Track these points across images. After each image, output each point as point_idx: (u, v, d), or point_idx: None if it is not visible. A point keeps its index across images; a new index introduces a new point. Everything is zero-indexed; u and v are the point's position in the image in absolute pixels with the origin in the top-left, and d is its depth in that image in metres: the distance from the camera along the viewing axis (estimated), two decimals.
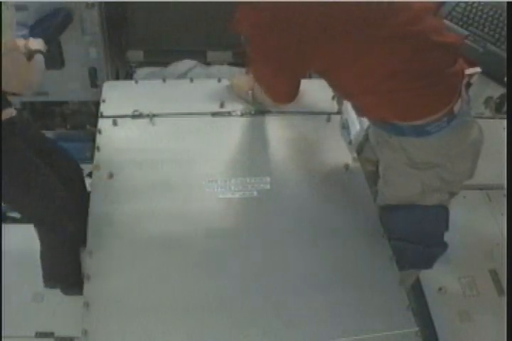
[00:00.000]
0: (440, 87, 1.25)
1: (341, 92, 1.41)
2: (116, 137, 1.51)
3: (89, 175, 1.64)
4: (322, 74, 1.34)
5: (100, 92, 1.67)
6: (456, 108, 1.29)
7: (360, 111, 1.43)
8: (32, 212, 1.59)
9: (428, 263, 1.52)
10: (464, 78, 1.31)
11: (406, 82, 1.22)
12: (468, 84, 1.37)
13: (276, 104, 1.51)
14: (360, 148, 1.72)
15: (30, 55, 1.41)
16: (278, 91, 1.41)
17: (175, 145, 1.50)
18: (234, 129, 1.57)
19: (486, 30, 1.64)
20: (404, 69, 1.20)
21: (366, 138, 1.68)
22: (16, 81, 1.37)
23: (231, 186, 1.41)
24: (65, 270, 1.63)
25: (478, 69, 1.53)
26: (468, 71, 1.35)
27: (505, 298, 1.71)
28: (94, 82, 2.05)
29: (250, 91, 1.56)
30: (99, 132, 1.52)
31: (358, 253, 1.31)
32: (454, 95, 1.29)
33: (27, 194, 1.50)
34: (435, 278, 1.83)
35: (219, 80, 1.72)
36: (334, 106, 1.66)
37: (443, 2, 1.65)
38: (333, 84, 1.38)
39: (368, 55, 1.17)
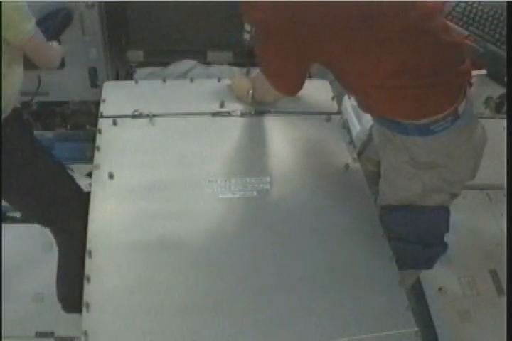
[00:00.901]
0: (446, 86, 1.25)
1: (347, 85, 1.40)
2: (116, 137, 1.51)
3: (89, 175, 1.64)
4: (328, 66, 1.34)
5: (100, 92, 1.67)
6: (461, 108, 1.29)
7: (365, 107, 1.43)
8: (43, 212, 1.60)
9: (428, 264, 1.52)
10: (471, 78, 1.31)
11: (412, 79, 1.22)
12: (469, 85, 1.37)
13: (280, 94, 1.45)
14: (363, 147, 1.72)
15: None
16: (283, 81, 1.39)
17: (175, 145, 1.50)
18: (234, 129, 1.57)
19: (486, 30, 1.64)
20: (411, 67, 1.20)
21: (369, 137, 1.67)
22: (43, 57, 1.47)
23: (231, 186, 1.41)
24: (71, 286, 1.58)
25: (483, 72, 1.53)
26: (473, 73, 1.35)
27: (505, 298, 1.72)
28: (94, 82, 2.05)
29: (250, 91, 1.56)
30: (99, 132, 1.52)
31: (358, 253, 1.31)
32: (459, 95, 1.29)
33: (38, 192, 1.51)
34: (435, 278, 1.83)
35: (219, 80, 1.72)
36: (334, 106, 1.66)
37: (443, 2, 1.65)
38: (339, 77, 1.38)
39: (375, 51, 1.18)
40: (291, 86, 1.41)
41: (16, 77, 1.44)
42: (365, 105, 1.41)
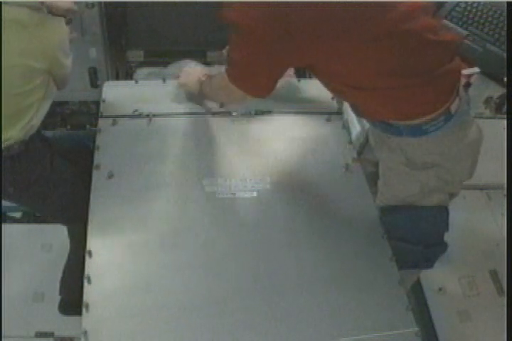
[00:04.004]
0: (435, 86, 1.24)
1: (336, 90, 1.39)
2: (116, 137, 1.51)
3: None
4: (317, 71, 1.31)
5: (100, 92, 1.67)
6: (454, 107, 1.29)
7: (357, 111, 1.42)
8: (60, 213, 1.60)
9: (428, 263, 1.51)
10: (461, 77, 1.30)
11: (399, 80, 1.21)
12: (468, 84, 1.36)
13: (251, 96, 1.33)
14: (362, 148, 1.72)
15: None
16: (257, 83, 1.30)
17: (174, 145, 1.50)
18: (234, 129, 1.57)
19: (485, 30, 1.64)
20: (396, 67, 1.19)
21: (367, 138, 1.68)
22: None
23: (231, 186, 1.41)
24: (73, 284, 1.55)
25: (476, 70, 1.53)
26: (466, 71, 1.34)
27: (505, 298, 1.71)
28: (94, 82, 2.05)
29: (203, 79, 1.50)
30: (99, 132, 1.52)
31: (358, 254, 1.31)
32: (451, 94, 1.28)
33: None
34: (435, 278, 1.83)
35: None
36: (334, 106, 1.66)
37: (443, 2, 1.65)
38: (328, 82, 1.36)
39: (360, 52, 1.16)
40: (264, 88, 1.30)
41: (44, 110, 1.47)
42: (357, 108, 1.40)
